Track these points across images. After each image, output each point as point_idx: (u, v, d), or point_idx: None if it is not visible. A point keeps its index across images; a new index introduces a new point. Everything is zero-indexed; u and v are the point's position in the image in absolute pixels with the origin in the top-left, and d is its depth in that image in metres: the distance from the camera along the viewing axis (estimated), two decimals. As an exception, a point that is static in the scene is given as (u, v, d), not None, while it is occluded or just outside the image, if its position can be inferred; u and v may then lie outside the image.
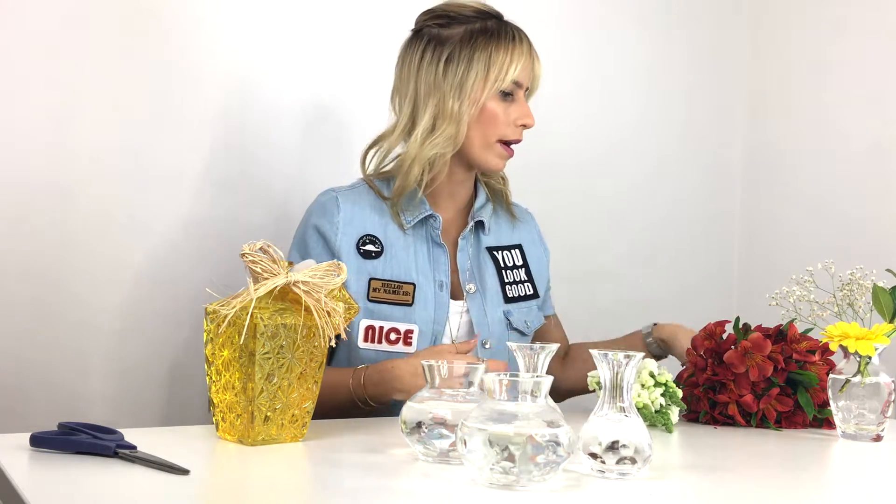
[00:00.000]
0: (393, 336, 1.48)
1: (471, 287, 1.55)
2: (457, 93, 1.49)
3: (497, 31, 1.52)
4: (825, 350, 1.42)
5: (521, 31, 1.55)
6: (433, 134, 1.49)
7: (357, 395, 1.40)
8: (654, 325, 1.60)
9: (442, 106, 1.49)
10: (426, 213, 1.53)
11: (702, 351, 1.44)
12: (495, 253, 1.60)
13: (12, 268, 1.57)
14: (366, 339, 1.47)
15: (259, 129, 1.78)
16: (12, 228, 1.57)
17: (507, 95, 1.51)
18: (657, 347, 1.58)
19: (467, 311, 1.53)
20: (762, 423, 1.41)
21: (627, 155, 2.22)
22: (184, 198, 1.71)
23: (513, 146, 1.54)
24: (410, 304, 1.49)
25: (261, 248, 1.14)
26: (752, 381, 1.39)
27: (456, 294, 1.54)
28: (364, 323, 1.47)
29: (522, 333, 1.59)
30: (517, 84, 1.51)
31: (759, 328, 1.44)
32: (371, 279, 1.49)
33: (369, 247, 1.51)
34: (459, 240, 1.57)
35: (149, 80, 1.67)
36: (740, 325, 1.45)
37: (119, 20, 1.65)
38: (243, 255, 1.14)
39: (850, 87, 2.13)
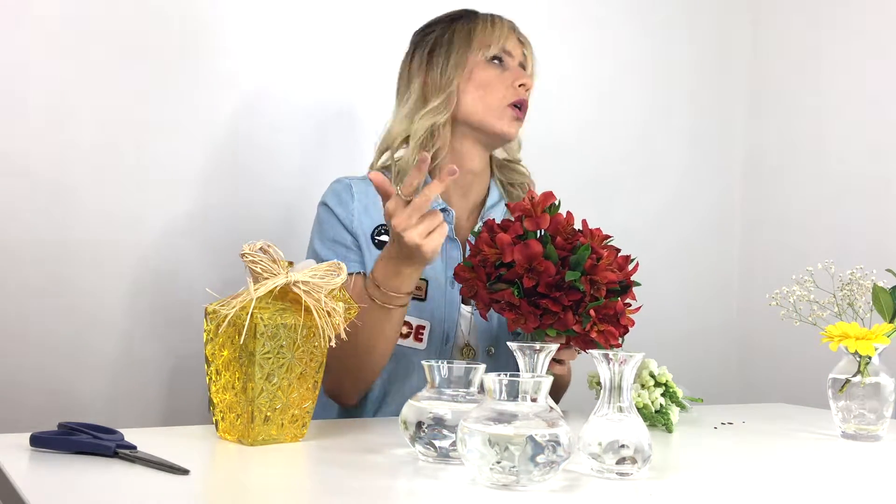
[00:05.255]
0: (404, 330, 1.44)
1: None
2: (444, 67, 1.50)
3: (475, 15, 1.55)
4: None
5: (503, 16, 1.55)
6: (426, 105, 1.50)
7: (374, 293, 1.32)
8: None
9: (431, 82, 1.51)
10: (439, 207, 1.49)
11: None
12: None
13: (12, 268, 1.57)
14: None
15: (263, 126, 1.78)
16: (12, 228, 1.57)
17: (498, 62, 1.51)
18: None
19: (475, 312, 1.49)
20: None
21: (627, 156, 2.22)
22: (185, 198, 1.71)
23: (520, 114, 1.51)
24: (424, 300, 1.46)
25: (261, 248, 1.14)
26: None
27: None
28: None
29: None
30: (506, 51, 1.52)
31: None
32: None
33: (384, 237, 1.47)
34: (468, 239, 1.52)
35: (151, 79, 1.68)
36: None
37: (122, 19, 1.65)
38: (243, 255, 1.13)
39: (849, 88, 2.13)
